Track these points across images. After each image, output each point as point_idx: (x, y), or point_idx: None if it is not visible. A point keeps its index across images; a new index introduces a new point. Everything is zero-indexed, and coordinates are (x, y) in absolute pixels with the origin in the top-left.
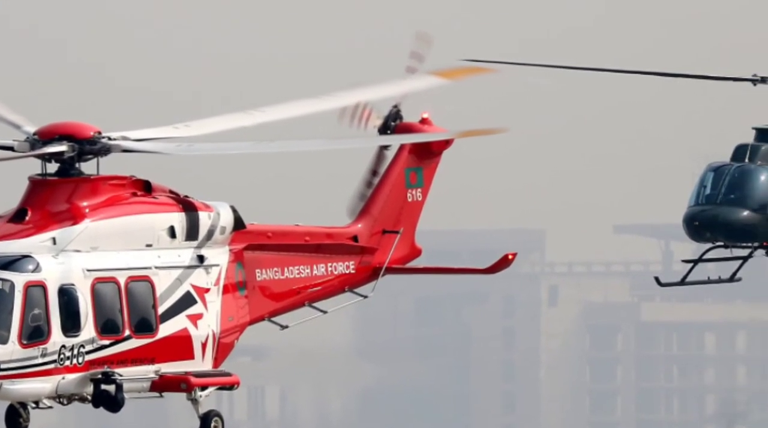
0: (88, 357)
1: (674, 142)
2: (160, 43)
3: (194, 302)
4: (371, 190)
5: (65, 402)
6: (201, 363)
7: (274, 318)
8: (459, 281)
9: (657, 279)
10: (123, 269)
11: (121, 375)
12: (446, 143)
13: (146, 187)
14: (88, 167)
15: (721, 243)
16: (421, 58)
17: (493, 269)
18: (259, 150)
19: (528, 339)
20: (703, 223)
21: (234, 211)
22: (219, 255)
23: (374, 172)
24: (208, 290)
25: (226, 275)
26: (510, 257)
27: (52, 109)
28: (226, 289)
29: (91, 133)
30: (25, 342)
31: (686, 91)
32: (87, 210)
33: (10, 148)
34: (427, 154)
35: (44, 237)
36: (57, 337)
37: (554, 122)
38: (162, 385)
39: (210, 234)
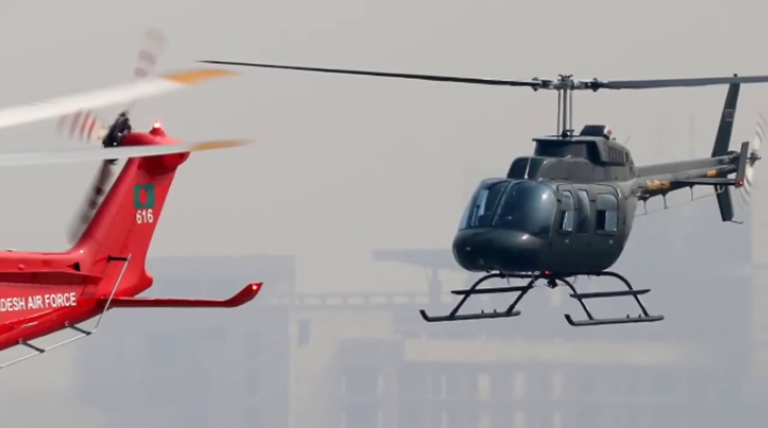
0: None
1: (443, 156)
2: None
3: None
4: (95, 211)
5: None
6: None
7: None
8: (196, 315)
9: (423, 312)
10: None
11: None
12: (181, 157)
13: None
14: None
15: (497, 272)
16: (152, 59)
17: (235, 301)
18: None
19: (275, 381)
20: (476, 249)
21: None
22: None
23: (98, 190)
24: None
25: None
26: (254, 287)
27: None
28: None
29: None
30: None
31: (457, 97)
32: None
33: None
34: (160, 169)
35: None
36: None
37: (305, 133)
38: None
39: None
